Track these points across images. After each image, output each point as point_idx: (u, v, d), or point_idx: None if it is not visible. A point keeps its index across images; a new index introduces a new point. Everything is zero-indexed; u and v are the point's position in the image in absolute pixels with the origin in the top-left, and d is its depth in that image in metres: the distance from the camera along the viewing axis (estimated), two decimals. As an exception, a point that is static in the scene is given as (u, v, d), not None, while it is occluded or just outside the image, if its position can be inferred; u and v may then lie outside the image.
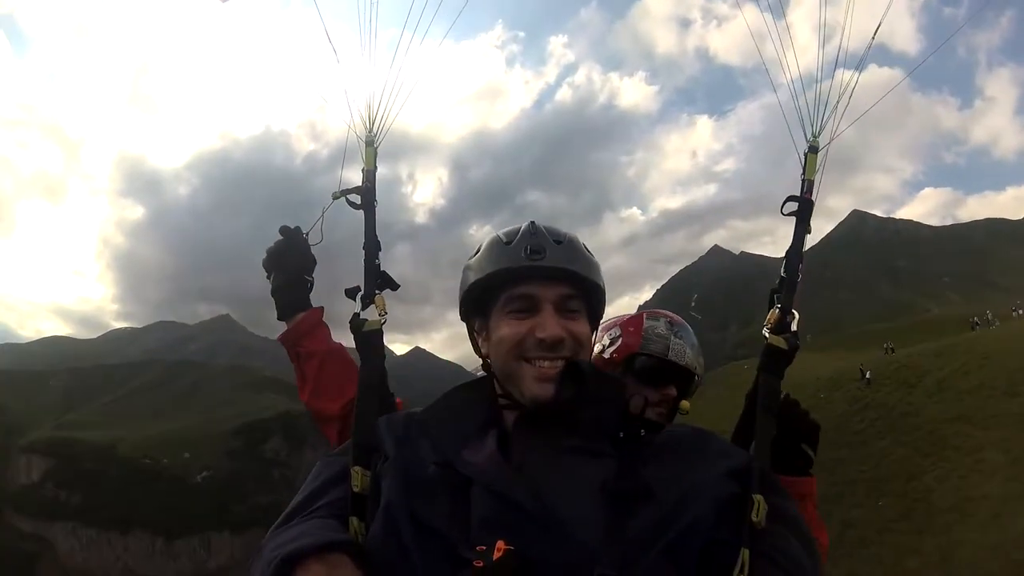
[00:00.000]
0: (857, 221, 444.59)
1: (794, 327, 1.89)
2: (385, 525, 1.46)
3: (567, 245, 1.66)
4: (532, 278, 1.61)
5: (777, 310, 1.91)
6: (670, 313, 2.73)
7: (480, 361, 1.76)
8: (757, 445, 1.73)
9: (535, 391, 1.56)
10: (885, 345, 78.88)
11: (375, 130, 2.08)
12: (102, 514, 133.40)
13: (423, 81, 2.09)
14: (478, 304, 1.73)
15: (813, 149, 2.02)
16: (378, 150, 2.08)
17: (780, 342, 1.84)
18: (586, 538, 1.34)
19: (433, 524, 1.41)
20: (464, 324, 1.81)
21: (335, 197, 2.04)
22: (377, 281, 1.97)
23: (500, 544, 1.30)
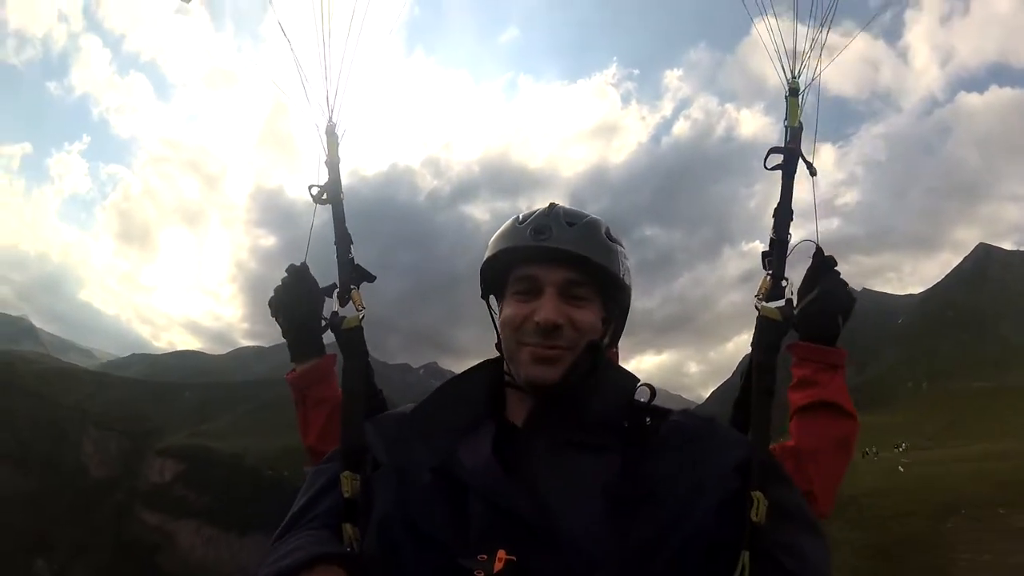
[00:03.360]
0: (983, 256, 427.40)
1: (788, 294, 1.76)
2: (380, 536, 1.44)
3: (580, 228, 1.59)
4: (536, 259, 1.57)
5: (768, 276, 1.78)
6: None
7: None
8: (754, 431, 1.59)
9: (530, 372, 1.53)
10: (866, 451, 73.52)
11: (335, 118, 1.99)
12: (224, 516, 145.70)
13: (382, 62, 2.01)
14: (492, 283, 1.70)
15: (793, 92, 1.90)
16: (341, 140, 1.99)
17: (773, 312, 1.71)
18: (588, 545, 1.31)
19: (432, 533, 1.38)
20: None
21: (317, 202, 1.98)
22: (352, 275, 1.92)
23: (501, 554, 1.28)
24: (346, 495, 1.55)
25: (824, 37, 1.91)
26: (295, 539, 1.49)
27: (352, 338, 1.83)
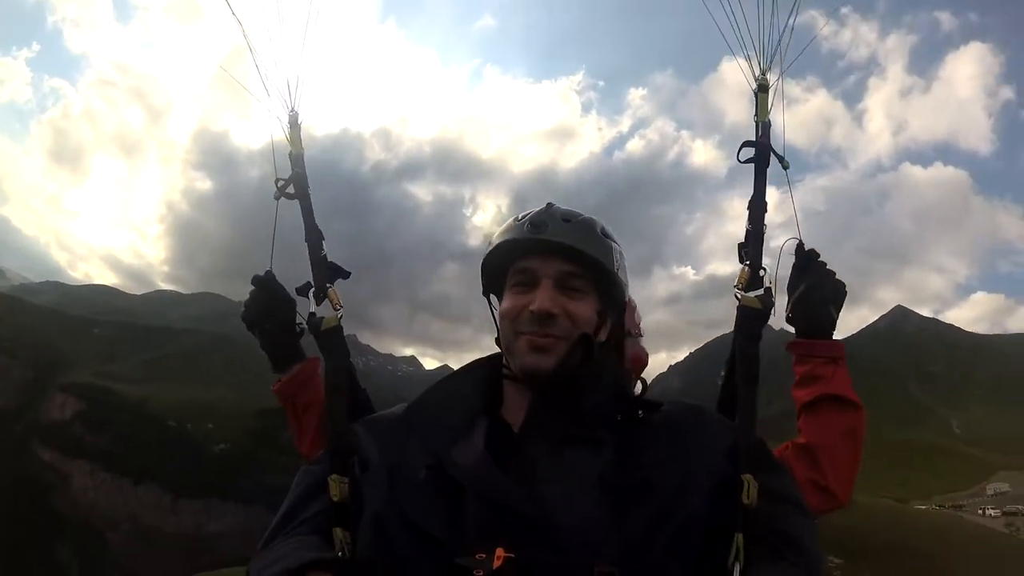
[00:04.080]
0: (900, 317, 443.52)
1: (767, 283, 1.77)
2: (375, 535, 1.43)
3: (577, 224, 1.62)
4: (533, 252, 1.59)
5: (746, 267, 1.79)
6: None
7: None
8: (740, 419, 1.60)
9: (526, 360, 1.54)
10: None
11: (296, 107, 1.93)
12: (120, 462, 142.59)
13: (343, 47, 2.01)
14: (492, 280, 1.71)
15: (763, 88, 1.92)
16: (302, 129, 1.93)
17: (753, 302, 1.73)
18: (586, 537, 1.31)
19: (429, 530, 1.37)
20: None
21: (276, 198, 1.90)
22: (327, 273, 1.88)
23: (500, 552, 1.27)
24: (335, 499, 1.53)
25: (791, 28, 1.94)
26: (283, 545, 1.47)
27: (332, 338, 1.80)
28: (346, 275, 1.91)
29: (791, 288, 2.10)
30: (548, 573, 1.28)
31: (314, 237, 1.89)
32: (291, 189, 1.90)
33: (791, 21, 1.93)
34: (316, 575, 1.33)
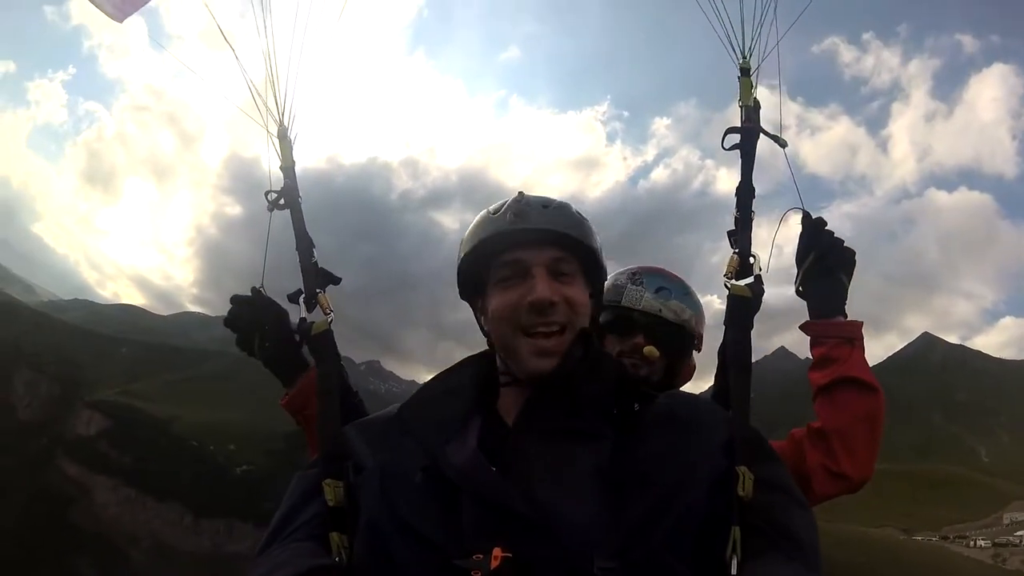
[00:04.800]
0: (926, 345, 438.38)
1: (756, 270, 1.76)
2: (371, 541, 1.42)
3: (555, 209, 1.59)
4: (520, 243, 1.55)
5: (735, 255, 1.78)
6: (646, 265, 2.61)
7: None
8: (734, 410, 1.59)
9: (533, 365, 1.51)
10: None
11: (287, 121, 1.95)
12: (143, 479, 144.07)
13: (331, 60, 1.96)
14: (473, 280, 1.66)
15: (745, 71, 1.91)
16: (295, 142, 1.95)
17: (743, 290, 1.72)
18: (584, 533, 1.30)
19: (425, 533, 1.36)
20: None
21: (270, 210, 1.94)
22: (317, 280, 1.90)
23: (497, 552, 1.26)
24: (330, 503, 1.52)
25: (774, 13, 1.92)
26: (280, 552, 1.46)
27: (323, 342, 1.81)
28: (336, 281, 1.93)
29: (799, 259, 2.06)
30: (547, 571, 1.28)
31: (305, 245, 1.91)
32: (282, 201, 1.93)
33: (771, 17, 1.91)
34: None
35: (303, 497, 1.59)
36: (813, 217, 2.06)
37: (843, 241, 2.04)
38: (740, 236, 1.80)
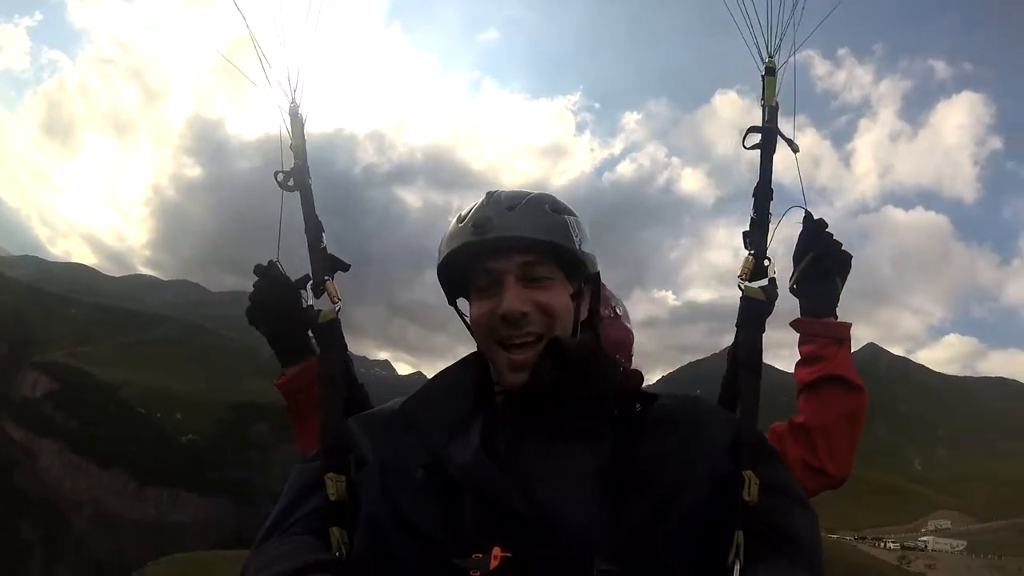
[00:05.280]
0: (871, 355, 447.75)
1: (771, 273, 1.73)
2: (370, 537, 1.40)
3: (522, 209, 1.50)
4: (487, 252, 1.48)
5: (750, 256, 1.75)
6: None
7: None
8: (743, 411, 1.59)
9: (508, 380, 1.48)
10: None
11: (298, 99, 1.89)
12: (88, 445, 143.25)
13: (346, 42, 1.92)
14: (455, 287, 1.62)
15: (770, 71, 1.87)
16: (306, 121, 1.90)
17: (757, 292, 1.69)
18: (584, 534, 1.28)
19: (425, 530, 1.33)
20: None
21: (284, 188, 1.86)
22: (325, 266, 1.84)
23: (496, 551, 1.25)
24: (331, 497, 1.49)
25: (800, 14, 1.91)
26: (280, 545, 1.44)
27: (329, 331, 1.77)
28: (346, 268, 1.91)
29: (797, 257, 2.07)
30: (547, 571, 1.27)
31: (314, 229, 1.87)
32: (291, 182, 1.88)
33: (798, 16, 1.89)
34: None
35: (303, 490, 1.56)
36: (815, 218, 2.05)
37: (841, 244, 2.05)
38: (756, 238, 1.79)
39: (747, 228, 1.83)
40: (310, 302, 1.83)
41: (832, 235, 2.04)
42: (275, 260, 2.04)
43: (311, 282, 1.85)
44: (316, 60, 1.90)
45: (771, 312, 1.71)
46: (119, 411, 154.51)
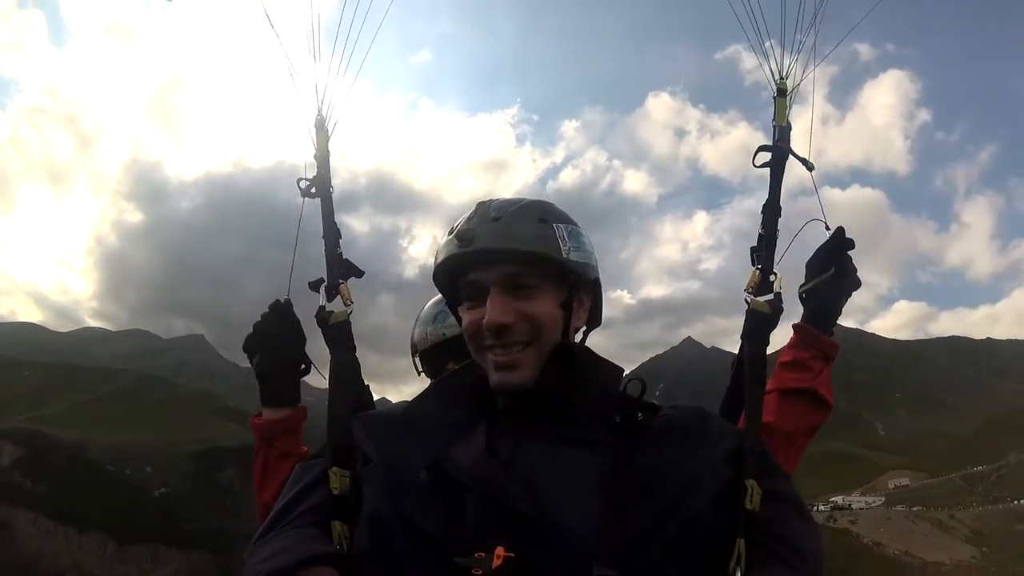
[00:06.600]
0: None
1: (777, 288, 1.76)
2: (372, 534, 1.40)
3: (506, 219, 1.50)
4: (472, 264, 1.50)
5: (757, 271, 1.78)
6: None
7: None
8: (748, 422, 1.60)
9: (495, 379, 1.48)
10: None
11: (325, 112, 1.95)
12: (63, 509, 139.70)
13: (371, 58, 1.96)
14: (451, 296, 1.64)
15: (781, 92, 1.89)
16: (332, 133, 1.96)
17: (763, 306, 1.72)
18: (585, 538, 1.29)
19: (428, 530, 1.35)
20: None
21: (303, 196, 1.93)
22: (340, 270, 1.88)
23: (499, 551, 1.26)
24: (335, 492, 1.51)
25: (815, 36, 1.94)
26: (282, 537, 1.45)
27: (340, 332, 1.80)
28: (360, 274, 1.91)
29: (819, 266, 2.08)
30: (547, 573, 1.28)
31: (331, 235, 1.90)
32: (312, 189, 1.93)
33: (817, 21, 1.94)
34: (318, 569, 1.31)
35: (307, 485, 1.58)
36: (845, 236, 2.08)
37: (856, 269, 2.09)
38: (764, 254, 1.81)
39: (754, 243, 1.86)
40: (322, 303, 1.84)
41: (851, 258, 2.08)
42: (289, 298, 2.12)
43: (325, 284, 1.86)
44: (343, 74, 1.95)
45: (776, 326, 1.74)
46: (88, 471, 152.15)
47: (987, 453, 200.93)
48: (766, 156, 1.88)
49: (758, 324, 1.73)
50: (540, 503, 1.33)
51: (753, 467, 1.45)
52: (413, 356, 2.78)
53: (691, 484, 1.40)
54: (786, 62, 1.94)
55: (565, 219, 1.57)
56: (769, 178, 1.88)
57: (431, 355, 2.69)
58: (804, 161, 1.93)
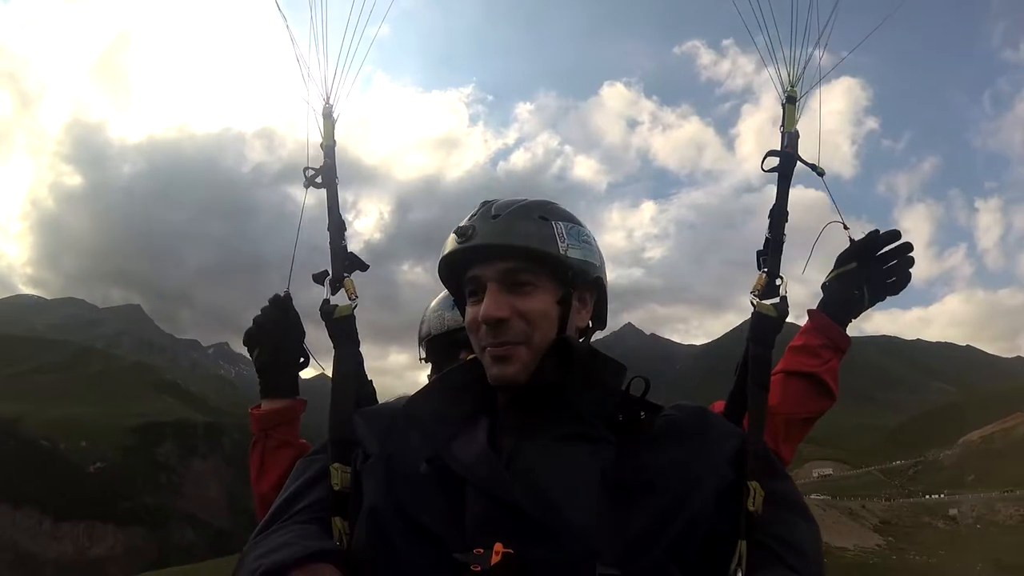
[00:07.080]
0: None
1: (783, 291, 1.76)
2: (372, 529, 1.39)
3: (506, 217, 1.51)
4: (473, 260, 1.51)
5: (764, 274, 1.79)
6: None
7: None
8: (751, 424, 1.58)
9: (491, 372, 1.48)
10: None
11: (332, 101, 1.94)
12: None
13: (379, 47, 1.91)
14: (456, 293, 1.64)
15: (791, 99, 1.90)
16: (338, 121, 1.94)
17: (769, 309, 1.71)
18: (587, 535, 1.28)
19: (427, 525, 1.33)
20: None
21: (306, 186, 1.91)
22: (345, 263, 1.86)
23: (498, 547, 1.24)
24: (336, 487, 1.49)
25: (823, 45, 1.94)
26: (283, 533, 1.43)
27: (344, 326, 1.78)
28: (364, 268, 1.90)
29: (845, 259, 2.08)
30: (548, 571, 1.26)
31: (337, 227, 1.89)
32: (319, 179, 1.91)
33: (826, 30, 1.93)
34: (319, 566, 1.29)
35: (307, 481, 1.57)
36: (879, 237, 2.06)
37: (909, 277, 2.07)
38: (771, 258, 1.81)
39: (760, 248, 1.87)
40: (326, 296, 1.82)
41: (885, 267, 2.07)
42: (289, 292, 2.09)
43: (329, 277, 1.85)
44: (351, 64, 1.96)
45: (780, 329, 1.73)
46: (21, 446, 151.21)
47: (908, 448, 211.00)
48: (774, 161, 1.89)
49: (764, 327, 1.71)
50: (541, 499, 1.32)
51: (755, 468, 1.45)
52: (421, 341, 2.71)
53: (693, 484, 1.40)
54: (798, 69, 1.95)
55: (567, 217, 1.58)
56: (777, 183, 1.88)
57: (444, 341, 2.59)
58: (813, 167, 1.95)
